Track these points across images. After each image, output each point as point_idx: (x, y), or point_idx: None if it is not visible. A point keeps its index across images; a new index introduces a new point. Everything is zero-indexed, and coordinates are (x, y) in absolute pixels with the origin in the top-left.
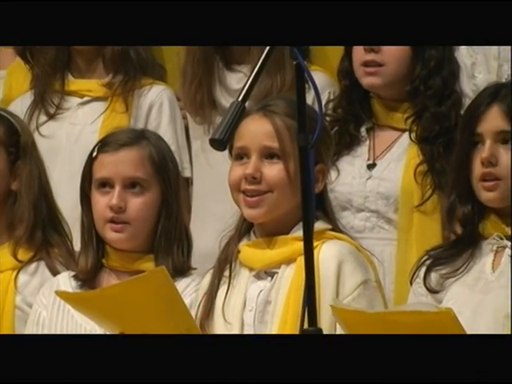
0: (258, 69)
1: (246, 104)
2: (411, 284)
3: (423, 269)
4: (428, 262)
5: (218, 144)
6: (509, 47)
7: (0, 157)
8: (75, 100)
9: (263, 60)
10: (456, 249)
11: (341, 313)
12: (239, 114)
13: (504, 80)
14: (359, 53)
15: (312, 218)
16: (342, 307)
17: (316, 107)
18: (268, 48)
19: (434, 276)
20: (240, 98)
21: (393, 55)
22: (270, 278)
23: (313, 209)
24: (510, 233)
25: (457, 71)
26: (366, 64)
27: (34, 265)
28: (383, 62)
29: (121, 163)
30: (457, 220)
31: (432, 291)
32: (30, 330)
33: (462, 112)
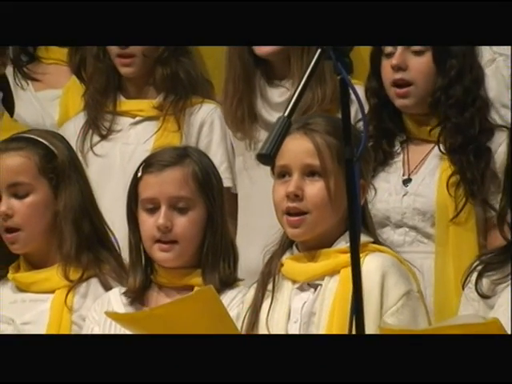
0: (304, 84)
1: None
2: (463, 289)
3: (475, 274)
4: (479, 267)
5: (266, 159)
6: None
7: (42, 187)
8: (127, 120)
9: (308, 75)
10: (506, 254)
11: (388, 332)
12: (285, 129)
13: None
14: (388, 72)
15: (358, 229)
16: (389, 327)
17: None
18: (313, 63)
19: (485, 281)
20: (286, 114)
21: (420, 72)
22: (313, 290)
23: (359, 220)
24: None
25: (480, 77)
26: (396, 84)
27: (84, 284)
28: (412, 80)
29: (165, 183)
30: (507, 224)
31: (483, 296)
32: None
33: (488, 117)
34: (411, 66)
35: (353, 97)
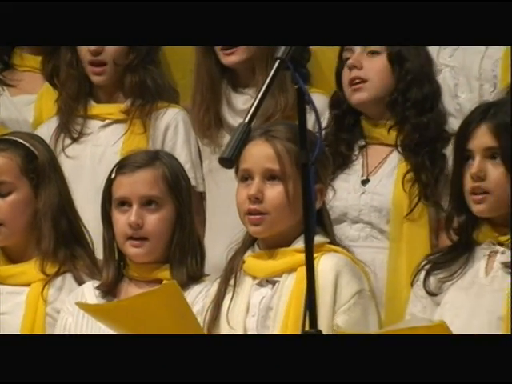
0: (263, 93)
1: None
2: (412, 286)
3: (423, 273)
4: (427, 266)
5: (227, 162)
6: (489, 68)
7: (23, 186)
8: (97, 123)
9: (267, 85)
10: (452, 254)
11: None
12: (246, 134)
13: (487, 98)
14: (346, 75)
15: (313, 231)
16: (343, 331)
17: (314, 129)
18: (272, 74)
19: (432, 280)
20: (246, 120)
21: (374, 69)
22: (271, 286)
23: (314, 221)
24: (501, 240)
25: (438, 92)
26: (351, 82)
27: (60, 278)
28: (367, 78)
29: (137, 183)
30: (453, 228)
31: (431, 294)
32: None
33: (445, 127)
34: (366, 65)
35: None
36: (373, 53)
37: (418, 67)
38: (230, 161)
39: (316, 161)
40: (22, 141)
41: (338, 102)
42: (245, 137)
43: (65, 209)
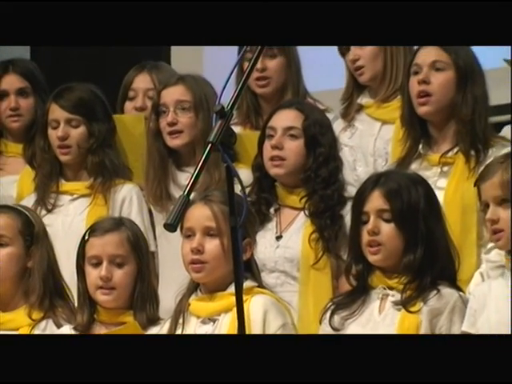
0: (198, 170)
1: (192, 195)
2: (320, 323)
3: (328, 312)
4: (332, 307)
5: (170, 227)
6: (381, 146)
7: (19, 244)
8: (67, 197)
9: (201, 164)
10: (352, 297)
11: None
12: (185, 204)
13: (381, 170)
14: (267, 150)
15: (241, 279)
16: None
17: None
18: (204, 156)
19: (336, 318)
20: (185, 192)
21: (293, 151)
22: (212, 323)
23: (242, 272)
24: (390, 284)
25: (340, 166)
26: (272, 159)
27: (44, 322)
28: (285, 157)
29: (106, 245)
30: (352, 275)
31: (335, 329)
32: None
33: (344, 194)
34: (286, 146)
35: None
36: (292, 136)
37: (327, 150)
38: (172, 226)
39: (243, 223)
40: (23, 210)
41: (258, 166)
42: (184, 206)
43: (52, 268)
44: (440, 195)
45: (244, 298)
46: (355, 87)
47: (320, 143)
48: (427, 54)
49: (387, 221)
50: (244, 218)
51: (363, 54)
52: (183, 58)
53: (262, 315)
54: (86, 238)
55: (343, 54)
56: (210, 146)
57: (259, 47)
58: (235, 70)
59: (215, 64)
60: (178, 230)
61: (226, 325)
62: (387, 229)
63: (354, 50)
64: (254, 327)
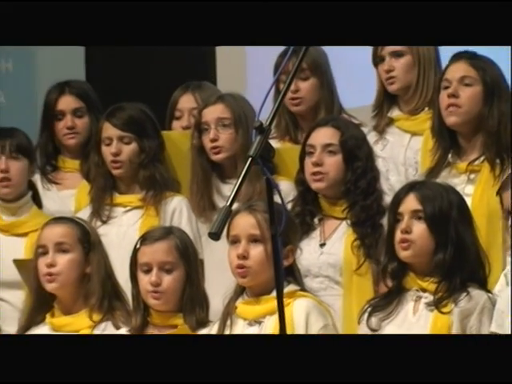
0: (240, 183)
1: (236, 205)
2: (359, 324)
3: (366, 314)
4: (369, 309)
5: (214, 236)
6: (411, 156)
7: (78, 250)
8: (121, 209)
9: (243, 176)
10: (388, 299)
11: None
12: (227, 214)
13: (411, 179)
14: (308, 167)
15: (282, 283)
16: None
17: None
18: (246, 168)
19: (373, 319)
20: (228, 203)
21: (332, 166)
22: (258, 325)
23: (282, 276)
24: (423, 286)
25: (377, 176)
26: (314, 174)
27: (103, 324)
28: (325, 172)
29: (156, 252)
30: (388, 277)
31: (373, 330)
32: None
33: (382, 204)
34: (326, 162)
35: None
36: (331, 152)
37: (364, 162)
38: (216, 234)
39: (283, 231)
40: (81, 222)
41: (301, 181)
42: (227, 216)
43: (109, 273)
44: (467, 201)
45: (287, 301)
46: (385, 98)
47: (357, 157)
48: (456, 70)
49: (419, 221)
50: (283, 227)
51: (398, 65)
52: (227, 77)
53: (305, 317)
54: (138, 246)
55: (376, 64)
56: (250, 160)
57: (293, 71)
58: (272, 90)
59: (257, 83)
60: (222, 238)
61: (270, 327)
62: (419, 228)
63: (389, 61)
64: (297, 329)
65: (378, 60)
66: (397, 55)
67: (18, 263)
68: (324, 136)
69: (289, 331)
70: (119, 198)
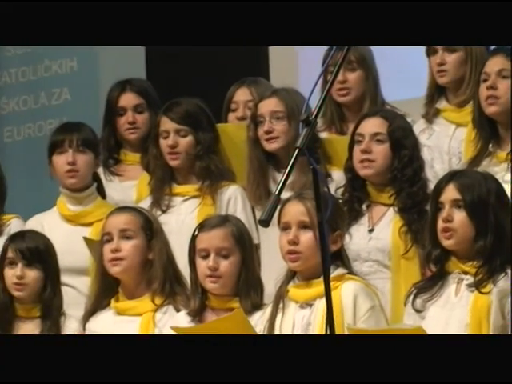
0: (288, 172)
1: (290, 193)
2: (405, 306)
3: (411, 296)
4: (414, 291)
5: (264, 223)
6: (455, 146)
7: (141, 237)
8: (179, 199)
9: (290, 166)
10: (432, 281)
11: (353, 331)
12: (276, 202)
13: (454, 167)
14: (357, 154)
15: (329, 267)
16: (353, 327)
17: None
18: (294, 158)
19: (418, 300)
20: (276, 192)
21: (380, 154)
22: (309, 308)
23: (329, 261)
24: (465, 269)
25: (423, 165)
26: (362, 161)
27: (165, 307)
28: (373, 160)
29: (213, 239)
30: (432, 263)
31: (417, 311)
32: None
33: (427, 191)
34: (374, 150)
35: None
36: (379, 141)
37: (411, 151)
38: (265, 222)
39: (331, 218)
40: (143, 211)
41: (349, 168)
42: (276, 205)
43: (170, 259)
44: (507, 188)
45: (335, 284)
46: (436, 89)
47: (404, 146)
48: (495, 64)
49: (460, 210)
50: (330, 213)
51: (450, 60)
52: (280, 73)
53: (353, 299)
54: (196, 233)
55: (429, 55)
56: (297, 150)
57: (339, 62)
58: (319, 82)
59: (308, 78)
60: (275, 228)
61: (321, 309)
62: (460, 217)
63: (442, 55)
64: (345, 310)
65: (431, 51)
66: (450, 50)
67: (88, 241)
68: (373, 125)
69: (337, 313)
70: (177, 188)
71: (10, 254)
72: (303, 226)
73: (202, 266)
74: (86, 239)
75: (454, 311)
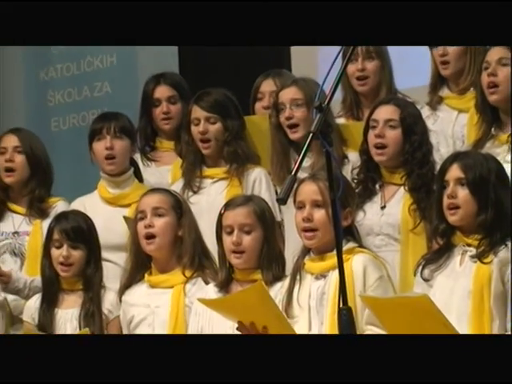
0: (302, 155)
1: (306, 174)
2: (414, 275)
3: (420, 267)
4: (423, 262)
5: (281, 201)
6: (459, 130)
7: (172, 215)
8: (209, 181)
9: (305, 149)
10: (438, 254)
11: (365, 299)
12: (292, 182)
13: (458, 149)
14: (372, 138)
15: (340, 242)
16: (365, 295)
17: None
18: (308, 141)
19: (426, 270)
20: (293, 173)
21: (392, 139)
22: (323, 279)
23: (341, 236)
24: (468, 242)
25: (431, 149)
26: (376, 146)
27: (194, 280)
28: (386, 144)
29: (237, 216)
30: (438, 236)
31: (426, 280)
32: (192, 319)
33: (435, 172)
34: (387, 135)
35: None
36: (392, 126)
37: (420, 136)
38: (282, 200)
39: (342, 196)
40: (174, 193)
41: (364, 151)
42: (292, 184)
43: (198, 236)
44: (508, 168)
45: (347, 256)
46: (438, 78)
47: (414, 131)
48: (495, 53)
49: (463, 187)
50: (341, 192)
51: (451, 51)
52: (301, 65)
53: (363, 270)
54: (222, 211)
55: (431, 48)
56: (311, 135)
57: (350, 50)
58: (336, 72)
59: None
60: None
61: (334, 279)
62: (463, 194)
63: (444, 48)
64: (356, 280)
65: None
66: None
67: (127, 220)
68: (386, 112)
69: (349, 283)
70: (207, 171)
71: (55, 236)
72: (316, 204)
73: (228, 241)
74: (125, 218)
75: (458, 280)
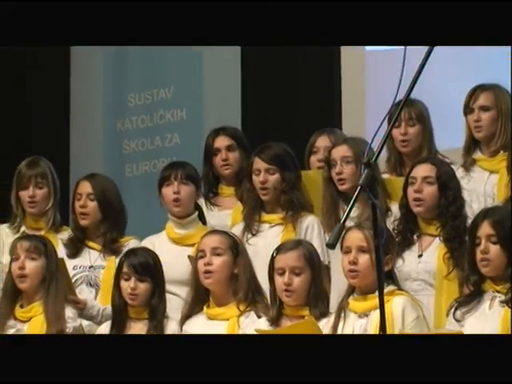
0: (350, 207)
1: (353, 223)
2: (447, 316)
3: (453, 309)
4: (455, 305)
5: (331, 246)
6: (490, 189)
7: (229, 255)
8: (266, 225)
9: (353, 201)
10: (470, 298)
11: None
12: (341, 229)
13: (488, 205)
14: (410, 194)
15: (382, 284)
16: (403, 332)
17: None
18: (355, 194)
19: (458, 312)
20: (341, 221)
21: (429, 195)
22: (366, 318)
23: (383, 279)
24: (497, 289)
25: (463, 204)
26: (415, 199)
27: (247, 313)
28: (424, 198)
29: (288, 259)
30: (469, 283)
31: (457, 320)
32: None
33: (467, 225)
34: (425, 190)
35: None
36: (429, 183)
37: (454, 192)
38: (332, 245)
39: (384, 244)
40: (230, 233)
41: (404, 205)
42: (340, 232)
43: (252, 274)
44: None
45: (387, 298)
46: (472, 142)
47: (449, 187)
48: None
49: (494, 243)
50: (384, 240)
51: (485, 117)
52: (351, 125)
53: (401, 310)
54: (274, 255)
55: (466, 114)
56: (359, 188)
57: (394, 117)
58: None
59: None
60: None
61: (375, 318)
62: (494, 249)
63: (478, 113)
64: (396, 320)
65: (468, 111)
66: (484, 109)
67: (191, 259)
68: (424, 170)
69: (389, 322)
70: (265, 217)
71: (125, 269)
72: (361, 249)
73: (279, 281)
74: (189, 257)
75: (487, 322)
